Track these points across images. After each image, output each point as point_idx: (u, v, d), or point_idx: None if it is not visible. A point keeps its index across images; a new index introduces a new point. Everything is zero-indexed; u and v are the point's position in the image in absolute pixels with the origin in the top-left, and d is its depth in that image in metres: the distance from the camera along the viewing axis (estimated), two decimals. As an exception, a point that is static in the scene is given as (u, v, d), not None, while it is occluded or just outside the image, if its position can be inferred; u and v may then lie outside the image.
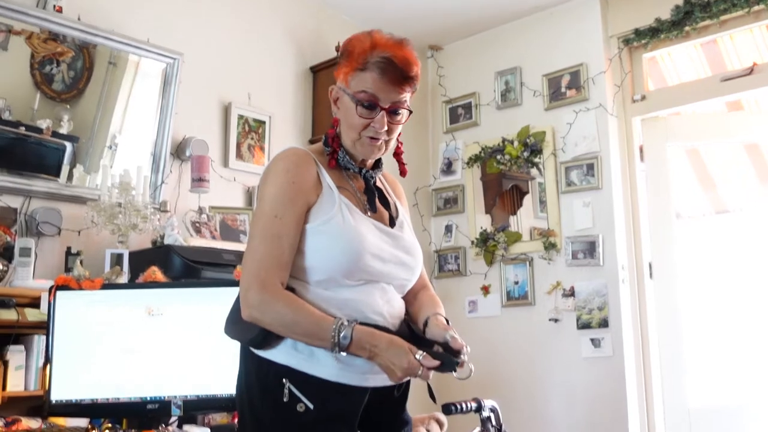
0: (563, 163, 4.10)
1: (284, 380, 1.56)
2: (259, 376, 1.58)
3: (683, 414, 3.75)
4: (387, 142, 1.67)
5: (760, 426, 3.63)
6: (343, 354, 1.50)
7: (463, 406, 2.45)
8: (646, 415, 3.74)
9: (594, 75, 4.07)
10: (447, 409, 2.41)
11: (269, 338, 1.57)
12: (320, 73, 4.09)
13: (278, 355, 1.58)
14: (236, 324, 1.62)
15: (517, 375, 4.01)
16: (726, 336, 3.82)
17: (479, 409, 2.46)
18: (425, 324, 1.69)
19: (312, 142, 3.98)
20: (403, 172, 1.78)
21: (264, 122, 3.81)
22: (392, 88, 1.62)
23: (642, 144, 4.09)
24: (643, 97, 4.08)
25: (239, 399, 1.64)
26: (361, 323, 1.55)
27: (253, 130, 3.76)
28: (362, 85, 1.62)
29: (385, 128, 1.63)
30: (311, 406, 1.54)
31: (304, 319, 1.52)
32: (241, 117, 3.72)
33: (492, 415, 2.53)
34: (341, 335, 1.50)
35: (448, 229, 4.46)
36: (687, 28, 3.88)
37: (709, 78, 4.06)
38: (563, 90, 4.17)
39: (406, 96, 1.66)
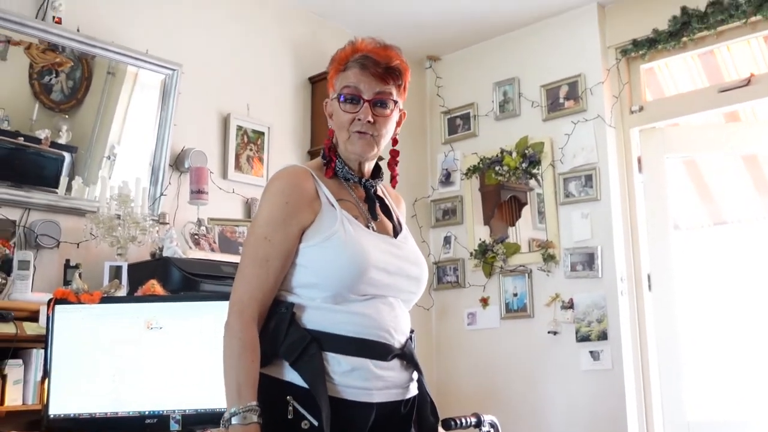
0: (561, 174, 4.10)
1: (288, 397, 1.55)
2: (264, 392, 1.55)
3: (683, 427, 3.74)
4: (376, 138, 1.67)
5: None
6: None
7: (463, 421, 2.46)
8: (645, 428, 3.73)
9: (592, 86, 4.08)
10: (447, 424, 2.41)
11: (275, 354, 1.57)
12: (319, 84, 4.09)
13: (282, 371, 1.57)
14: None
15: (516, 388, 4.00)
16: (725, 348, 3.82)
17: (479, 424, 2.46)
18: None
19: (311, 152, 3.98)
20: (394, 183, 1.79)
21: (263, 133, 3.81)
22: (374, 80, 1.65)
23: (640, 155, 4.10)
24: (641, 108, 4.09)
25: None
26: (365, 339, 1.57)
27: (252, 141, 3.76)
28: (345, 81, 1.66)
29: (371, 120, 1.64)
30: (315, 423, 1.53)
31: (231, 374, 1.53)
32: (240, 128, 3.72)
33: (492, 430, 2.53)
34: (231, 419, 1.49)
35: (447, 240, 4.46)
36: (684, 39, 3.89)
37: (706, 89, 4.08)
38: (561, 101, 4.18)
39: (391, 89, 1.68)
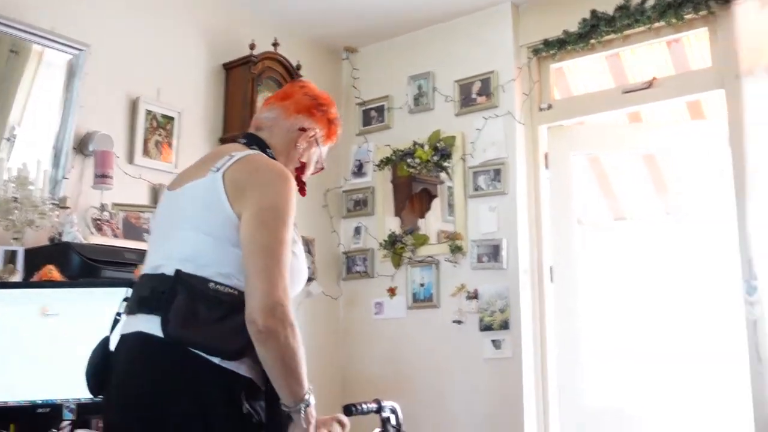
0: (471, 168, 4.19)
1: (244, 393, 1.61)
2: (222, 388, 1.59)
3: (578, 413, 3.90)
4: None
5: (651, 426, 3.82)
6: (291, 408, 1.63)
7: (364, 407, 2.47)
8: (542, 414, 3.87)
9: (504, 83, 4.17)
10: (348, 410, 2.42)
11: (246, 350, 1.60)
12: (233, 71, 4.05)
13: (243, 367, 1.61)
14: (210, 328, 1.61)
15: (420, 375, 4.08)
16: (621, 339, 3.98)
17: (379, 409, 2.48)
18: None
19: (222, 139, 3.94)
20: (302, 192, 1.94)
21: (173, 118, 3.75)
22: None
23: (547, 151, 4.21)
24: (550, 106, 4.21)
25: (178, 407, 1.59)
26: None
27: (162, 126, 3.70)
28: (331, 145, 2.03)
29: None
30: (264, 420, 1.63)
31: (302, 361, 1.63)
32: (149, 112, 3.65)
33: (392, 416, 2.55)
34: (311, 396, 1.65)
35: (357, 231, 4.50)
36: (593, 41, 4.02)
37: (611, 90, 4.23)
38: (474, 96, 4.26)
39: None
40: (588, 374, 3.95)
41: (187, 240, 1.70)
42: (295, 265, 1.72)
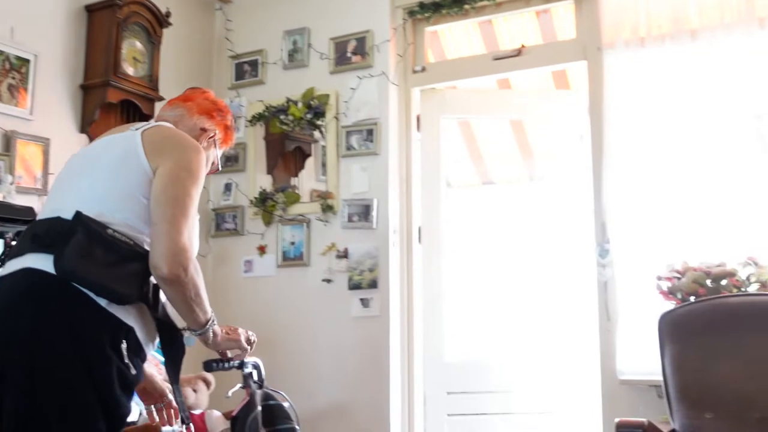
0: (345, 127, 4.18)
1: (126, 344, 1.67)
2: (105, 333, 1.63)
3: (440, 367, 4.05)
4: None
5: (508, 378, 4.01)
6: (193, 333, 1.89)
7: (225, 363, 2.46)
8: (407, 368, 3.98)
9: (379, 43, 4.17)
10: (208, 366, 2.40)
11: (133, 299, 1.69)
12: (96, 14, 3.81)
13: (130, 317, 1.68)
14: (103, 269, 1.64)
15: (289, 333, 4.08)
16: (483, 297, 4.15)
17: (242, 365, 2.47)
18: None
19: (83, 86, 3.72)
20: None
21: (28, 61, 3.50)
22: None
23: (419, 114, 4.26)
24: (423, 69, 4.25)
25: (57, 348, 1.58)
26: None
27: (15, 68, 3.45)
28: (218, 157, 2.19)
29: None
30: (139, 379, 1.75)
31: (203, 292, 1.83)
32: (0, 53, 3.40)
33: (254, 371, 2.56)
34: (213, 315, 1.92)
35: (228, 187, 4.40)
36: (466, 6, 4.07)
37: (483, 55, 4.32)
38: (349, 55, 4.24)
39: None
40: (451, 331, 4.09)
41: (95, 187, 1.77)
42: (193, 231, 1.83)
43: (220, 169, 2.24)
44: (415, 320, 4.04)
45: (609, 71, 3.68)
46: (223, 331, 2.07)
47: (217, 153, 2.16)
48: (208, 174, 2.08)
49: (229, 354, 2.29)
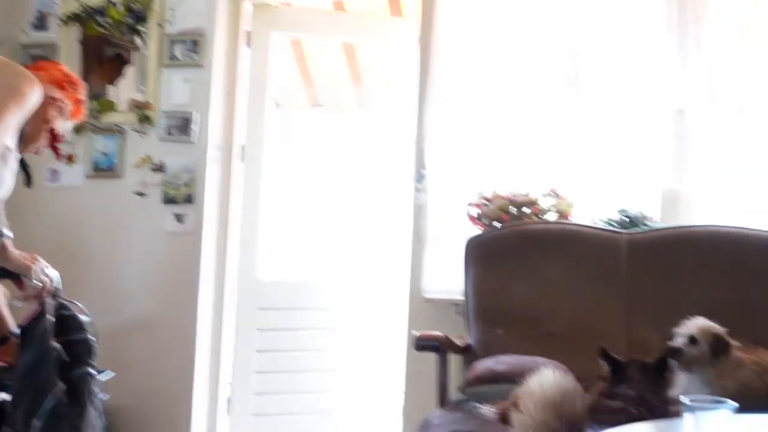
0: (169, 35, 3.96)
1: None
2: None
3: (253, 285, 4.05)
4: None
5: (321, 296, 4.09)
6: None
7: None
8: (220, 287, 3.96)
9: (209, -52, 3.96)
10: (-9, 273, 2.28)
11: None
12: None
13: None
14: None
15: (97, 247, 3.89)
16: (302, 219, 4.15)
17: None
18: None
19: None
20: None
21: None
22: None
23: (250, 30, 4.12)
24: (256, -19, 4.10)
25: None
26: None
27: None
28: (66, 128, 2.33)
29: None
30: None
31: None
32: None
33: (47, 281, 2.46)
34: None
35: (35, 89, 4.07)
36: None
37: (319, -26, 4.22)
38: (176, -43, 3.99)
39: None
40: (266, 250, 4.07)
41: None
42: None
43: (64, 140, 2.35)
44: (230, 238, 3.99)
45: (441, 2, 3.71)
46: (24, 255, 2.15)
47: (66, 125, 2.28)
48: (53, 144, 2.25)
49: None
